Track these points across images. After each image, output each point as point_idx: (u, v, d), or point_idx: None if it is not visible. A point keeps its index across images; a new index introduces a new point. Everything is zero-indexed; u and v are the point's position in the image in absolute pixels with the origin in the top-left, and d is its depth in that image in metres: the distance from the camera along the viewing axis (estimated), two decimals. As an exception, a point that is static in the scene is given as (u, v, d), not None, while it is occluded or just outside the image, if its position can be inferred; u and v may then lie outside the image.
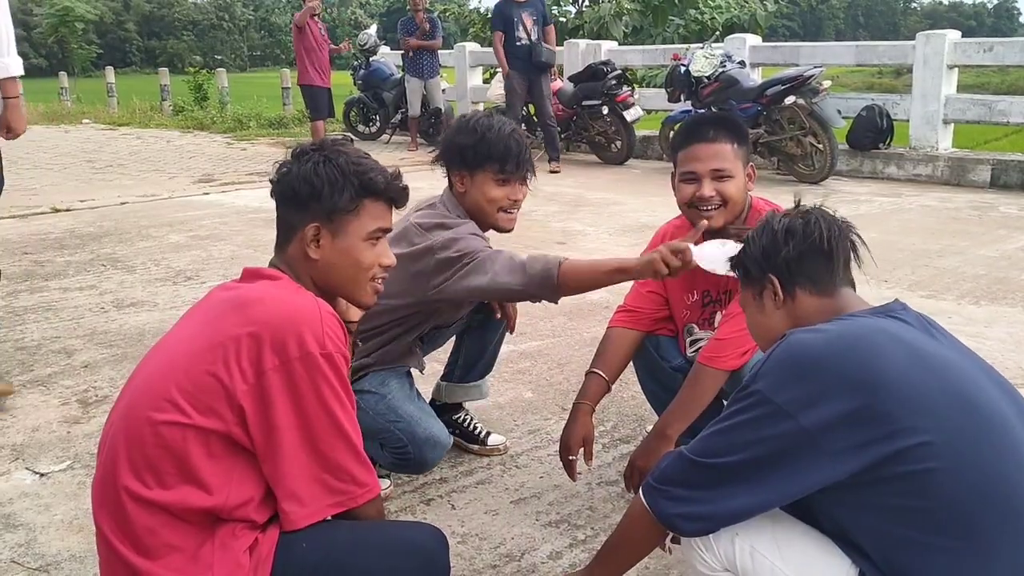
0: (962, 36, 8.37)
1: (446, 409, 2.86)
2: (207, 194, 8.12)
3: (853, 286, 1.60)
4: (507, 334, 2.83)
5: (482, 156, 2.36)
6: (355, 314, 1.86)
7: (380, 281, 1.74)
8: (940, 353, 1.42)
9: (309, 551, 1.49)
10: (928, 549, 1.32)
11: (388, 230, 1.73)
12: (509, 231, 2.48)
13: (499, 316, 2.71)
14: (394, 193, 1.72)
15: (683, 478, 1.48)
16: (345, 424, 1.52)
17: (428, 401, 2.71)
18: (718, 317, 2.49)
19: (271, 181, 1.71)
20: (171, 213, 7.11)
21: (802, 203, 1.66)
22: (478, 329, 2.77)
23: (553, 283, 2.14)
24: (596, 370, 2.51)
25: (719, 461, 1.42)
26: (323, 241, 1.65)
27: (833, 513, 1.42)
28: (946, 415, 1.33)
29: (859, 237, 1.61)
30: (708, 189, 2.27)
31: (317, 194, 1.64)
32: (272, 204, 1.72)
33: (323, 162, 1.65)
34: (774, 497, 1.41)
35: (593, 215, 6.83)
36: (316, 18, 9.86)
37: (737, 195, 2.29)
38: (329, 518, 1.54)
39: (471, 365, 2.84)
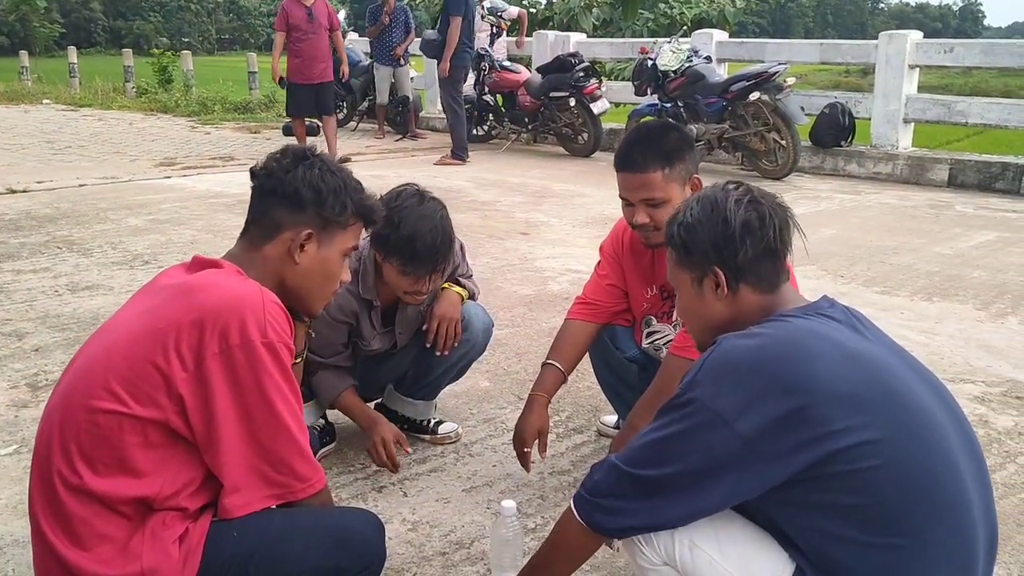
0: (926, 37, 8.49)
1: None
2: (168, 178, 7.99)
3: (789, 274, 1.59)
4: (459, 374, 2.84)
5: (391, 248, 2.38)
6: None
7: (334, 295, 1.80)
8: (869, 351, 1.43)
9: (240, 539, 1.48)
10: (862, 546, 1.33)
11: (357, 248, 1.79)
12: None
13: (428, 345, 2.64)
14: (377, 219, 1.80)
15: (616, 490, 1.46)
16: (285, 416, 1.50)
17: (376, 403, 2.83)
18: (678, 311, 2.51)
19: (259, 173, 1.68)
20: (131, 196, 6.99)
21: (742, 184, 1.60)
22: (424, 351, 2.70)
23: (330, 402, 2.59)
24: (552, 361, 2.52)
25: (652, 473, 1.41)
26: (309, 247, 1.66)
27: (764, 509, 1.42)
28: (879, 414, 1.34)
29: (798, 226, 1.59)
30: (641, 216, 2.28)
31: (321, 201, 1.65)
32: (237, 190, 1.71)
33: (328, 172, 1.67)
34: (708, 506, 1.41)
35: (558, 206, 6.84)
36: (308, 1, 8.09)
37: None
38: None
39: (415, 381, 2.80)
